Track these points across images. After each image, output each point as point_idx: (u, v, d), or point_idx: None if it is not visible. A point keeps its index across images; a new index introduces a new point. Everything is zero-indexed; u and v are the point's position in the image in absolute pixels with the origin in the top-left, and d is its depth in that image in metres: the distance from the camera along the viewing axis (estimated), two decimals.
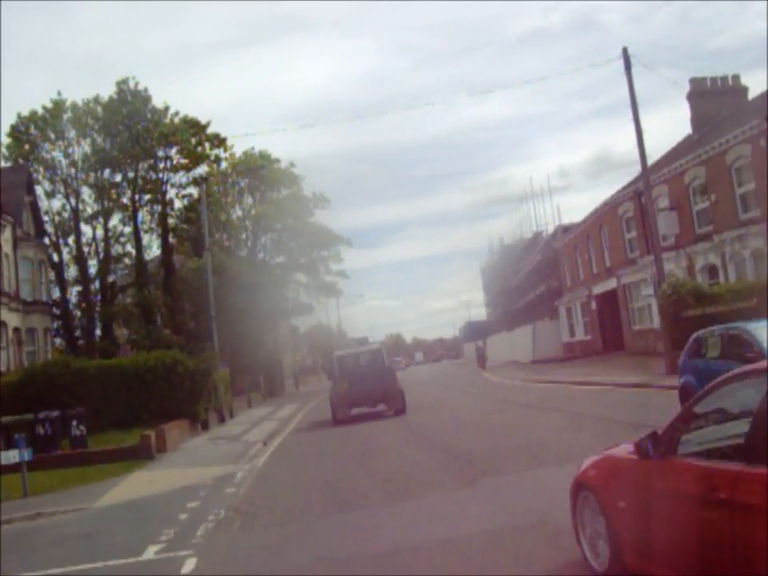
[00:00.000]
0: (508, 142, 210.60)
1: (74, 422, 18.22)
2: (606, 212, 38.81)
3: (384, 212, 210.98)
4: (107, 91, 41.42)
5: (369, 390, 22.03)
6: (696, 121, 33.95)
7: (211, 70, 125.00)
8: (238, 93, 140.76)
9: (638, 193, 34.39)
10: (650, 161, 27.07)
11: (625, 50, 23.56)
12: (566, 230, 52.90)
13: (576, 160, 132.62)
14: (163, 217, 40.86)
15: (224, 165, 44.79)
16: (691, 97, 33.71)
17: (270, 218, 44.79)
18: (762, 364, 4.34)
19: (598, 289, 41.63)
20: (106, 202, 40.16)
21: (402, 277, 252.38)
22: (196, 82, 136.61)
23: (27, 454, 13.49)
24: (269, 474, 13.74)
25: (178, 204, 42.23)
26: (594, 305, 43.28)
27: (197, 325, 39.12)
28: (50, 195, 41.08)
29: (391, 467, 12.23)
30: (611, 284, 39.12)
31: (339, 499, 9.93)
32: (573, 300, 46.29)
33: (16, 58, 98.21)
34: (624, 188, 37.84)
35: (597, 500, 5.23)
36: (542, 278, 57.54)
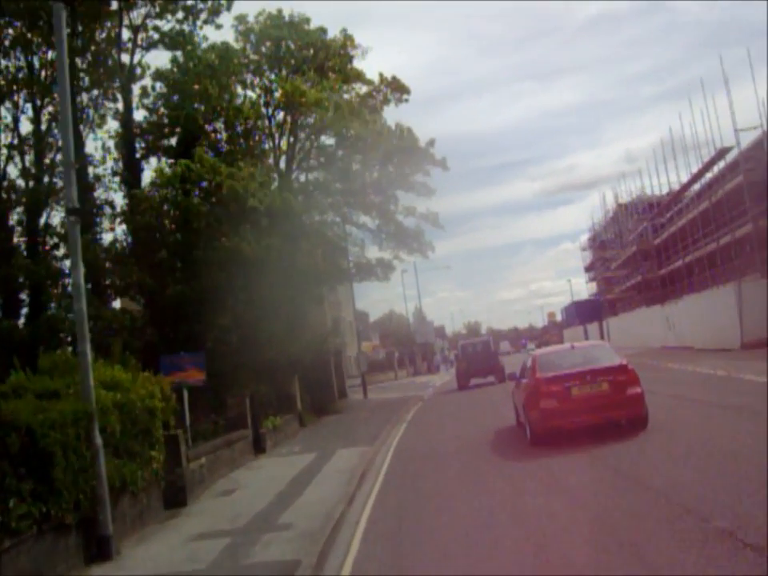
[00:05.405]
0: (574, 128, 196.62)
1: None
2: None
3: (451, 203, 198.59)
4: None
5: (480, 367, 34.63)
6: None
7: None
8: None
9: None
10: None
11: None
12: None
13: (643, 145, 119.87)
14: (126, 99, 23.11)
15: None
16: None
17: (310, 110, 25.64)
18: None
19: None
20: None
21: (472, 267, 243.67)
22: None
23: None
24: None
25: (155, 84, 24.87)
26: None
27: (185, 297, 21.61)
28: None
29: None
30: None
31: None
32: None
33: None
34: None
35: (512, 396, 16.59)
36: (731, 219, 37.99)
